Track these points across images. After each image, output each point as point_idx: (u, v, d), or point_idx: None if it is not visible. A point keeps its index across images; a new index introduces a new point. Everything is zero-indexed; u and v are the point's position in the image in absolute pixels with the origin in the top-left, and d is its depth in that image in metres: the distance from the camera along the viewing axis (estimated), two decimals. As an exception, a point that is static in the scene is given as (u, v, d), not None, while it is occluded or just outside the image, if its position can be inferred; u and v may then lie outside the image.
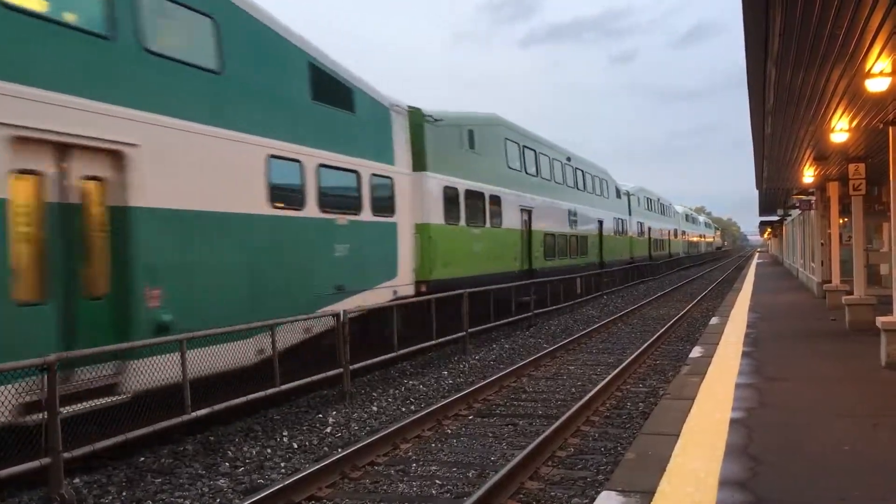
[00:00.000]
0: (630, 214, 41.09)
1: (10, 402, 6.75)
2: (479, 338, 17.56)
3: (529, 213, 23.34)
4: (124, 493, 7.22)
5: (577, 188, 30.44)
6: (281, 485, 6.74)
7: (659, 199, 54.73)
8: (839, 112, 10.93)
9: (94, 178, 8.19)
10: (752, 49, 7.78)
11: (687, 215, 75.20)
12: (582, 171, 31.65)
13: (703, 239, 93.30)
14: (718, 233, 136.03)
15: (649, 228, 47.63)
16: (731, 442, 6.24)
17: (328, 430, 9.48)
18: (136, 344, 8.02)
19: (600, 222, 33.68)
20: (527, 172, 23.75)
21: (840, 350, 11.59)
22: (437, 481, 7.29)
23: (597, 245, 32.84)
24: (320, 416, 10.13)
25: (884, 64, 8.22)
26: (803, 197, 24.80)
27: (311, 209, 11.88)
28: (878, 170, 15.33)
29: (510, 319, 19.17)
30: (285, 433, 9.29)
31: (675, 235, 62.22)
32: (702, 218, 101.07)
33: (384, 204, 14.19)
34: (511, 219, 21.75)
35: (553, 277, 24.00)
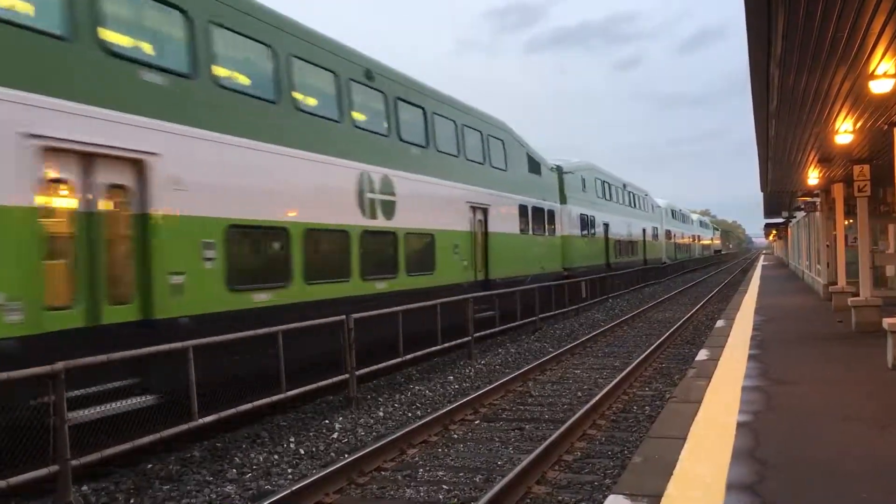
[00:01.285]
0: (565, 202, 27.26)
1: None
2: (485, 342, 17.56)
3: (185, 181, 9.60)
4: (132, 501, 7.25)
5: (398, 136, 15.08)
6: (288, 491, 6.75)
7: (626, 187, 40.05)
8: (843, 114, 10.93)
9: None
10: (755, 52, 7.80)
11: (673, 211, 60.60)
12: (411, 104, 15.85)
13: (697, 241, 77.82)
14: (718, 234, 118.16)
15: (606, 225, 33.62)
16: (739, 445, 6.22)
17: (335, 435, 9.49)
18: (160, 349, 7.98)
19: (482, 211, 19.20)
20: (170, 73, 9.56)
21: (847, 352, 11.55)
22: (445, 486, 7.30)
23: (469, 251, 18.31)
24: (327, 421, 10.14)
25: (887, 65, 8.23)
26: (808, 199, 24.77)
27: None
28: (882, 171, 15.30)
29: (515, 324, 19.13)
30: (292, 439, 9.30)
31: (655, 236, 48.34)
32: (695, 216, 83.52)
33: None
34: None
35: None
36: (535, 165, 24.22)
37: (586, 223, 30.38)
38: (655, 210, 50.05)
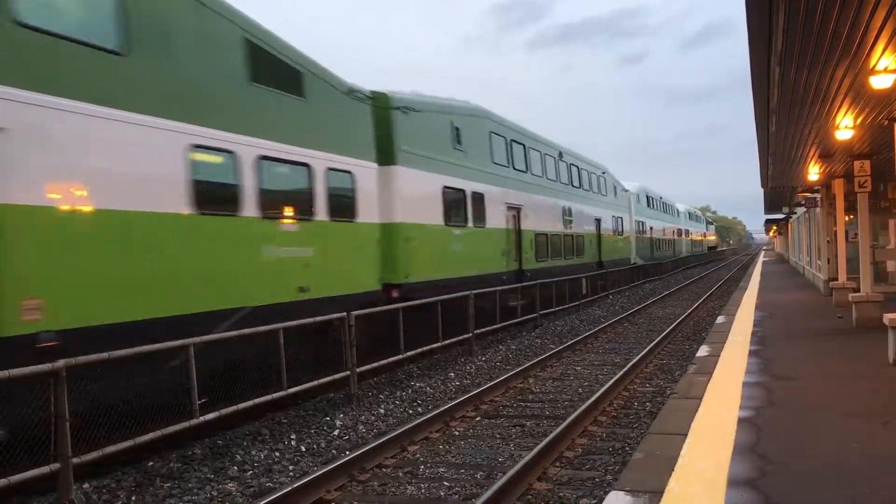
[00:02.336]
0: (394, 161, 14.97)
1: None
2: (486, 339, 17.56)
3: None
4: (133, 498, 7.25)
5: None
6: (289, 488, 6.75)
7: (563, 156, 27.35)
8: (844, 109, 10.92)
9: None
10: (755, 47, 7.79)
11: (649, 197, 46.94)
12: None
13: (685, 237, 65.12)
14: (712, 229, 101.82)
15: (517, 210, 21.31)
16: (740, 441, 6.23)
17: (336, 432, 9.50)
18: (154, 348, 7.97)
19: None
20: None
21: (847, 348, 11.56)
22: (446, 483, 7.30)
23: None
24: (328, 418, 10.15)
25: (888, 60, 8.22)
26: (808, 195, 24.77)
27: None
28: (883, 166, 15.32)
29: (516, 321, 19.13)
30: (293, 436, 9.30)
31: (619, 230, 36.25)
32: (682, 206, 66.64)
33: None
34: None
35: None
36: (280, 73, 11.57)
37: (462, 205, 17.73)
38: (620, 195, 37.21)
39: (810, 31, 7.12)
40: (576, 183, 28.90)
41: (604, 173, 34.19)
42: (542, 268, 23.07)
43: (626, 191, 39.23)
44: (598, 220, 31.67)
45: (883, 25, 7.03)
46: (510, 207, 20.96)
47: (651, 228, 46.31)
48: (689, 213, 72.08)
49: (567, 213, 27.05)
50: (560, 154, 27.20)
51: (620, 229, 36.69)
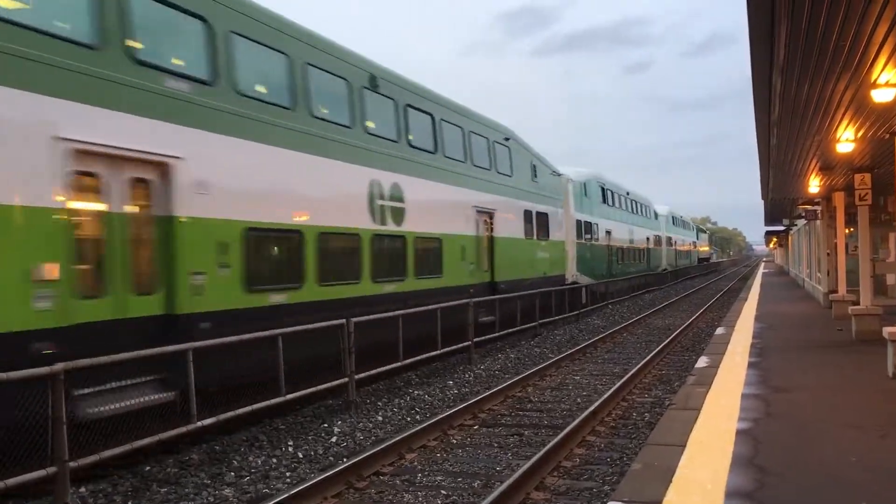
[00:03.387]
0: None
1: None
2: (485, 347, 17.54)
3: None
4: (130, 503, 7.23)
5: None
6: (286, 494, 6.74)
7: (376, 85, 14.07)
8: (845, 122, 10.94)
9: None
10: (757, 60, 7.81)
11: (607, 191, 35.18)
12: None
13: (666, 246, 54.00)
14: (704, 238, 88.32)
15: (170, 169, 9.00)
16: (738, 452, 6.21)
17: (333, 439, 9.48)
18: (145, 351, 8.00)
19: None
20: None
21: (847, 360, 11.54)
22: (443, 491, 7.28)
23: None
24: (325, 425, 10.13)
25: (889, 74, 8.25)
26: (809, 207, 24.79)
27: None
28: (884, 180, 15.32)
29: (515, 329, 19.11)
30: (290, 443, 9.28)
31: (539, 232, 23.49)
32: (663, 209, 54.52)
33: None
34: None
35: None
36: None
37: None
38: (546, 179, 24.84)
39: (812, 44, 7.15)
40: (423, 143, 16.18)
41: (507, 139, 21.60)
42: (276, 304, 10.88)
43: (560, 175, 26.79)
44: (488, 214, 19.44)
45: (885, 39, 7.06)
46: (132, 160, 8.72)
47: (609, 233, 34.24)
48: (674, 218, 59.44)
49: (387, 196, 14.34)
50: (372, 80, 14.12)
51: (545, 232, 24.24)
